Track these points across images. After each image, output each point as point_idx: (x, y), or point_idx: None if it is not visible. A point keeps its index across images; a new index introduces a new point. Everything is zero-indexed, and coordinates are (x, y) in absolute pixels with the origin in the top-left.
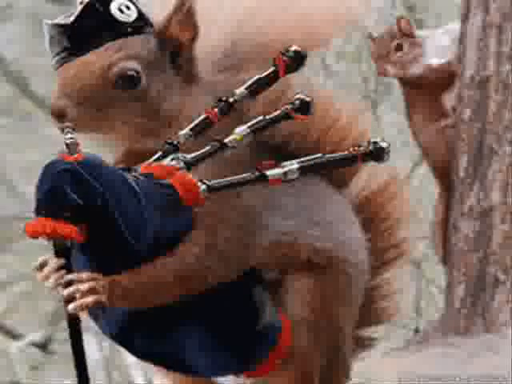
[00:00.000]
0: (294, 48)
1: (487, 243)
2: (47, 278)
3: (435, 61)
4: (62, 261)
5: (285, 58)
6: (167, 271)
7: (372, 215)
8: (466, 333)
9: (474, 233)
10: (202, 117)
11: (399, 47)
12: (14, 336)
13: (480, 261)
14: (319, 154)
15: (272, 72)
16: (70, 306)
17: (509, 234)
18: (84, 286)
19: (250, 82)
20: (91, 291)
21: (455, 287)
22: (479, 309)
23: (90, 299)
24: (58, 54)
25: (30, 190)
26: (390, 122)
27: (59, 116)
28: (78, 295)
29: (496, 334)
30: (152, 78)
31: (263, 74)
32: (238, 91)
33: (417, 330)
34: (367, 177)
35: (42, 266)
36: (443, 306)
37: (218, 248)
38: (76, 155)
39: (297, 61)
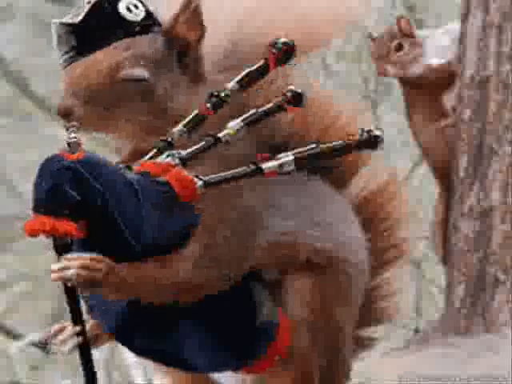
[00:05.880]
0: (281, 40)
1: (487, 243)
2: (63, 343)
3: (435, 61)
4: (78, 328)
5: (274, 51)
6: (166, 270)
7: (372, 215)
8: (466, 333)
9: (474, 233)
10: (194, 112)
11: (399, 47)
12: (14, 336)
13: (480, 261)
14: (313, 145)
15: (262, 65)
16: (69, 272)
17: (509, 234)
18: (83, 261)
19: (240, 76)
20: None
21: (455, 287)
22: (479, 309)
23: (84, 272)
24: (65, 53)
25: (29, 190)
26: (390, 122)
27: (66, 115)
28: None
29: (496, 334)
30: (159, 76)
31: (253, 67)
32: (229, 85)
33: (417, 330)
34: (367, 177)
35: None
36: (443, 306)
37: (218, 248)
38: (77, 154)
39: (286, 52)
